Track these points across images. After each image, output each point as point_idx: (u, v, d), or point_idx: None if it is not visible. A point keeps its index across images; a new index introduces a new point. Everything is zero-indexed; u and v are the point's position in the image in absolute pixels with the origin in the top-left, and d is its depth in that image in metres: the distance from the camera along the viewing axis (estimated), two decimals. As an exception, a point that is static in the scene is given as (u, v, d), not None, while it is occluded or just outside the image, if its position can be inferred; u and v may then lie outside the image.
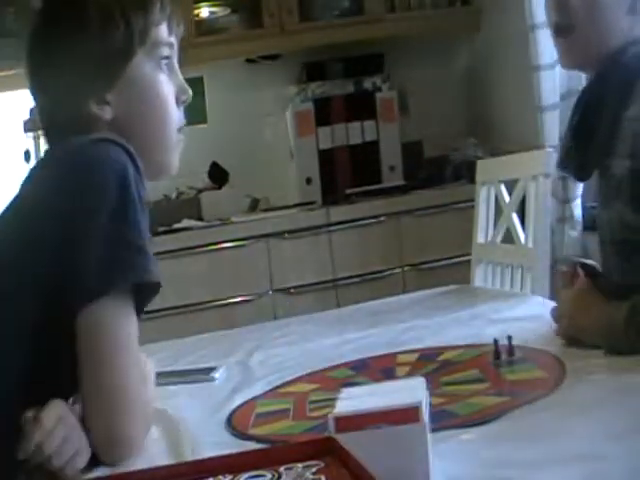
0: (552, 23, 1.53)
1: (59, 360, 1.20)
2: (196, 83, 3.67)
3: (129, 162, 1.20)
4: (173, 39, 1.37)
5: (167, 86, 1.35)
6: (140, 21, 1.31)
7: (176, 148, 1.37)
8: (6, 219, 1.26)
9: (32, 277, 1.20)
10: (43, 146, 3.44)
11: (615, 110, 1.44)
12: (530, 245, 2.35)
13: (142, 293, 1.21)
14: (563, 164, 1.60)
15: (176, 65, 1.38)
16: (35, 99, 1.36)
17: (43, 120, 1.36)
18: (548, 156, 2.33)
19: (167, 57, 1.35)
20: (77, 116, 1.30)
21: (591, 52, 1.48)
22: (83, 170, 1.20)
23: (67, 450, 1.13)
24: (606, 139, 1.44)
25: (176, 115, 1.36)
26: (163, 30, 1.34)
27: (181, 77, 1.38)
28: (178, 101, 1.37)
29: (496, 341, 1.46)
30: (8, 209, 1.27)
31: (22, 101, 3.40)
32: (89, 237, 1.16)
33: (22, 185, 1.28)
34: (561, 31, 1.51)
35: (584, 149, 1.50)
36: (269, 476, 0.96)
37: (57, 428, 1.12)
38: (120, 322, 1.18)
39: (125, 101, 1.32)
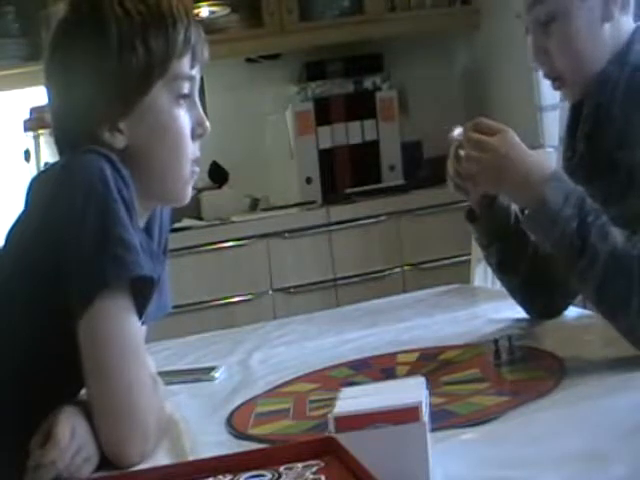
0: (545, 76, 1.57)
1: (64, 361, 1.19)
2: (196, 83, 3.67)
3: (107, 165, 1.19)
4: (195, 71, 1.32)
5: (183, 121, 1.30)
6: (161, 50, 1.26)
7: (189, 181, 1.34)
8: (17, 228, 1.27)
9: (36, 282, 1.20)
10: (43, 146, 3.45)
11: (627, 105, 1.44)
12: (530, 245, 2.34)
13: (138, 291, 1.21)
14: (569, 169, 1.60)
15: (196, 97, 1.33)
16: (49, 103, 1.34)
17: (54, 127, 1.34)
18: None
19: (187, 92, 1.30)
20: (87, 137, 1.26)
21: (588, 79, 1.50)
22: (67, 178, 1.20)
23: (78, 460, 1.13)
24: (617, 136, 1.45)
25: (190, 149, 1.32)
26: (185, 63, 1.29)
27: (200, 110, 1.33)
28: (194, 134, 1.32)
29: (496, 341, 1.46)
30: (20, 217, 1.28)
31: (22, 101, 3.40)
32: (78, 239, 1.16)
33: (30, 189, 1.28)
34: (555, 80, 1.55)
35: (595, 150, 1.51)
36: (269, 476, 0.96)
37: (71, 443, 1.12)
38: (121, 323, 1.18)
39: (138, 132, 1.28)
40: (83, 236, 1.16)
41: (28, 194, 1.27)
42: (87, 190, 1.17)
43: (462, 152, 1.45)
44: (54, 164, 1.30)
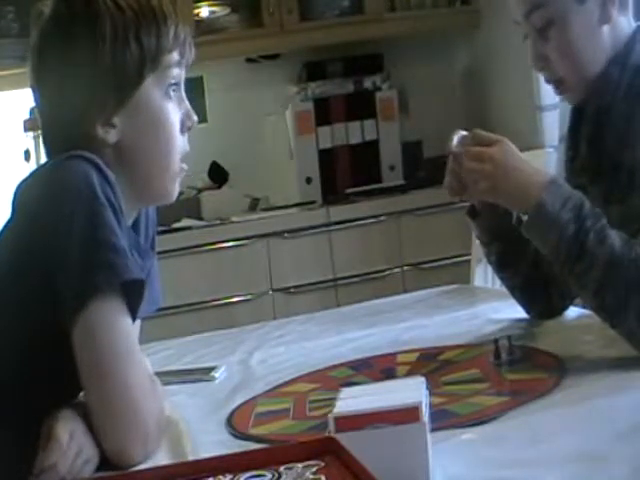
0: (546, 80, 1.57)
1: (63, 362, 1.19)
2: (196, 83, 3.67)
3: (92, 170, 1.19)
4: (183, 66, 1.34)
5: (173, 114, 1.32)
6: (153, 46, 1.28)
7: (177, 177, 1.35)
8: (5, 234, 1.26)
9: (28, 287, 1.20)
10: (43, 146, 3.45)
11: (629, 106, 1.44)
12: (530, 245, 2.34)
13: (129, 294, 1.21)
14: (571, 169, 1.60)
15: (183, 91, 1.35)
16: (37, 103, 1.33)
17: (44, 127, 1.33)
18: (548, 156, 2.33)
19: (176, 84, 1.32)
20: (79, 134, 1.27)
21: (589, 82, 1.50)
22: (53, 184, 1.20)
23: (79, 462, 1.13)
24: (619, 137, 1.45)
25: (180, 144, 1.33)
26: (174, 57, 1.31)
27: (187, 103, 1.35)
28: (183, 127, 1.34)
29: (496, 341, 1.46)
30: (8, 223, 1.27)
31: (22, 101, 3.40)
32: (67, 245, 1.16)
33: (16, 195, 1.27)
34: (555, 84, 1.55)
35: (597, 151, 1.51)
36: (269, 476, 0.96)
37: (70, 446, 1.12)
38: (114, 326, 1.18)
39: (131, 127, 1.29)
40: (72, 242, 1.16)
41: (14, 200, 1.27)
42: (74, 196, 1.17)
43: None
44: (38, 169, 1.30)
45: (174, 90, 1.32)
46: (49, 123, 1.33)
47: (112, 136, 1.28)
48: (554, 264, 1.37)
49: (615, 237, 1.32)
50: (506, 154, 1.39)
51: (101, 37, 1.26)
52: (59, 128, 1.31)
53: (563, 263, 1.35)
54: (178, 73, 1.32)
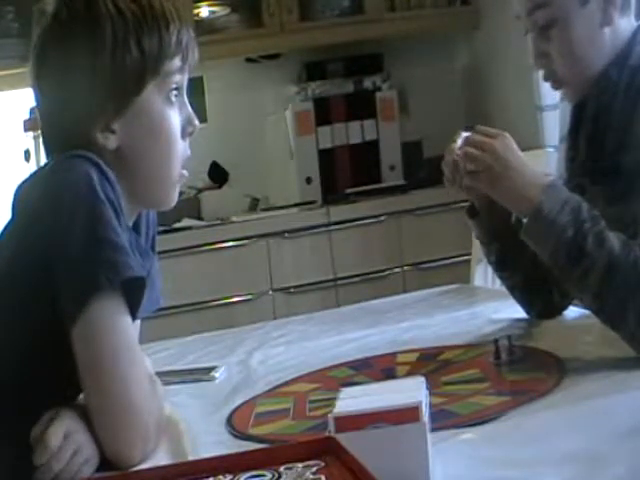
0: (545, 78, 1.57)
1: (63, 363, 1.19)
2: (196, 83, 3.67)
3: (93, 169, 1.19)
4: (186, 72, 1.32)
5: (175, 121, 1.30)
6: (154, 52, 1.26)
7: (176, 184, 1.34)
8: (6, 234, 1.26)
9: (29, 288, 1.20)
10: (42, 146, 3.44)
11: (628, 107, 1.45)
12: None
13: (129, 292, 1.20)
14: (571, 169, 1.60)
15: (185, 96, 1.33)
16: (37, 102, 1.32)
17: (43, 127, 1.33)
18: (548, 156, 2.33)
19: (177, 89, 1.31)
20: (78, 137, 1.26)
21: (588, 81, 1.51)
22: (53, 183, 1.19)
23: (76, 462, 1.13)
24: (619, 138, 1.45)
25: (181, 151, 1.32)
26: (176, 63, 1.29)
27: (189, 107, 1.33)
28: (184, 133, 1.33)
29: (496, 341, 1.46)
30: (8, 224, 1.27)
31: (22, 101, 3.41)
32: (67, 243, 1.16)
33: (16, 196, 1.27)
34: (555, 82, 1.56)
35: (597, 152, 1.51)
36: (269, 476, 0.96)
37: (65, 445, 1.12)
38: (114, 324, 1.17)
39: (131, 133, 1.27)
40: (72, 240, 1.15)
41: (15, 201, 1.26)
42: (74, 194, 1.17)
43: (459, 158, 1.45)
44: (39, 170, 1.30)
45: (176, 95, 1.31)
46: (49, 124, 1.32)
47: (112, 142, 1.27)
48: (553, 268, 1.37)
49: (614, 239, 1.31)
50: (506, 149, 1.40)
51: (101, 41, 1.24)
52: (58, 129, 1.30)
53: (562, 267, 1.35)
54: (180, 78, 1.31)
